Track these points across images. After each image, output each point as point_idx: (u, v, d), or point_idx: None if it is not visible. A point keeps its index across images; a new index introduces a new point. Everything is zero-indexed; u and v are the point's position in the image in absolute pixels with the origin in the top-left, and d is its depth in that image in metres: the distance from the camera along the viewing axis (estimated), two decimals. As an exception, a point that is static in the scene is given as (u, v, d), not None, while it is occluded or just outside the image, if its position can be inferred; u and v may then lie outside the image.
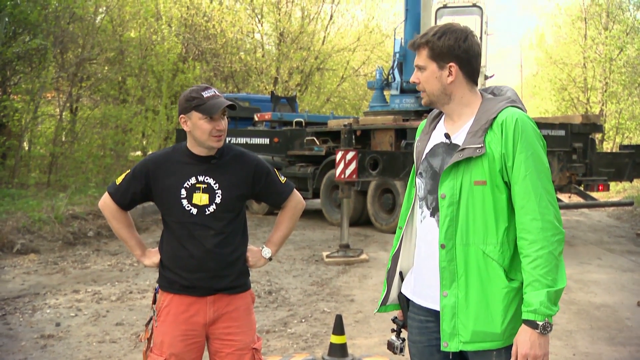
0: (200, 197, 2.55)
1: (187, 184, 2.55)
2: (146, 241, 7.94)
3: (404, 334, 2.35)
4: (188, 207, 2.54)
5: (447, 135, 2.13)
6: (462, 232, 2.04)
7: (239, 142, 13.09)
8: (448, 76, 2.09)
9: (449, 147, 2.11)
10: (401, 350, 2.34)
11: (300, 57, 24.60)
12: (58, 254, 8.40)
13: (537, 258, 1.93)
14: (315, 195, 12.28)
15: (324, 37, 26.54)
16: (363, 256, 8.34)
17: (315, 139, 12.22)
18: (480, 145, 2.00)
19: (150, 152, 16.39)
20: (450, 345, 2.05)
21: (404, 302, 2.29)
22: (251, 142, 13.23)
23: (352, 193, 9.70)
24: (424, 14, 11.74)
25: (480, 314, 2.01)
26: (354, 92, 28.30)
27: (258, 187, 2.67)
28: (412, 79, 2.17)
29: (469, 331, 2.02)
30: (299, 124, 13.88)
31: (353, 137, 9.20)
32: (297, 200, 2.78)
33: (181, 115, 2.55)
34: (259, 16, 25.62)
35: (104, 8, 17.65)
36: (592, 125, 10.00)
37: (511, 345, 1.99)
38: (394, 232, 2.37)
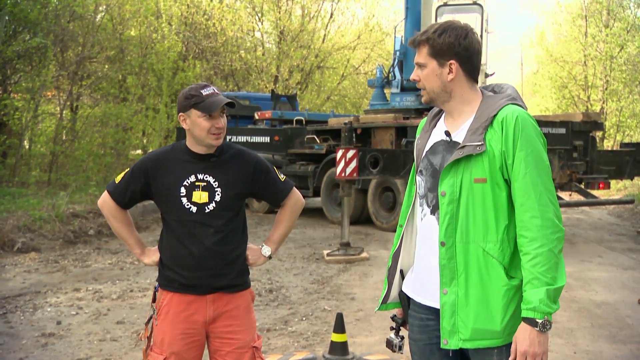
0: (200, 195, 2.54)
1: (187, 182, 2.55)
2: (147, 240, 7.96)
3: (403, 332, 2.34)
4: (188, 205, 2.54)
5: (447, 133, 2.13)
6: (462, 230, 2.04)
7: (240, 140, 13.10)
8: (448, 74, 2.08)
9: (449, 145, 2.10)
10: (400, 348, 2.34)
11: (301, 56, 24.59)
12: (59, 253, 8.41)
13: (536, 256, 1.92)
14: (316, 193, 12.28)
15: (324, 35, 26.52)
16: (364, 254, 8.34)
17: (315, 137, 12.21)
18: (480, 143, 2.00)
19: (150, 151, 16.39)
20: (450, 342, 2.05)
21: (405, 301, 2.29)
22: (252, 141, 13.23)
23: (352, 191, 9.70)
24: (425, 12, 11.73)
25: (480, 311, 2.01)
26: (355, 90, 28.30)
27: (257, 185, 2.67)
28: (412, 76, 2.17)
29: (468, 329, 2.01)
30: (299, 122, 13.88)
31: (353, 135, 9.20)
32: (296, 198, 2.77)
33: (180, 114, 2.55)
34: (259, 14, 25.62)
35: (104, 6, 17.64)
36: (592, 123, 9.99)
37: (511, 343, 1.98)
38: (395, 231, 2.36)
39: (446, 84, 2.10)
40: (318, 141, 12.14)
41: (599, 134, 19.85)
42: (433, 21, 10.97)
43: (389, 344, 2.34)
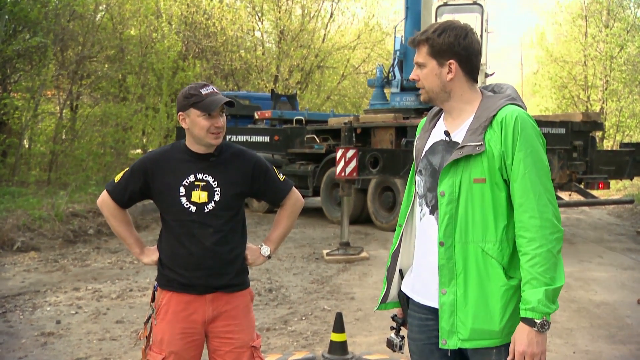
0: (199, 194, 2.54)
1: (186, 182, 2.55)
2: (146, 239, 7.96)
3: (404, 331, 2.34)
4: (187, 205, 2.53)
5: (446, 133, 2.13)
6: (461, 230, 2.04)
7: (240, 140, 13.10)
8: (448, 73, 2.08)
9: (449, 145, 2.10)
10: (400, 347, 2.34)
11: (301, 55, 24.60)
12: (58, 252, 8.41)
13: (535, 256, 1.92)
14: (316, 193, 12.28)
15: (324, 35, 26.53)
16: (363, 254, 8.34)
17: (315, 137, 12.21)
18: (479, 143, 2.00)
19: (150, 150, 16.39)
20: (449, 342, 2.05)
21: (404, 300, 2.29)
22: (251, 140, 13.23)
23: (352, 191, 9.70)
24: (425, 12, 11.73)
25: (479, 311, 2.01)
26: (354, 90, 28.31)
27: (257, 185, 2.67)
28: (412, 76, 2.17)
29: (467, 329, 2.01)
30: (299, 122, 13.88)
31: (353, 135, 9.20)
32: (296, 198, 2.77)
33: (179, 113, 2.55)
34: (259, 14, 25.62)
35: (104, 6, 17.65)
36: (592, 123, 9.99)
37: (510, 343, 1.98)
38: (394, 230, 2.36)
39: (445, 83, 2.10)
40: (318, 141, 12.14)
41: (598, 134, 19.86)
42: (433, 21, 10.97)
43: (389, 343, 2.35)
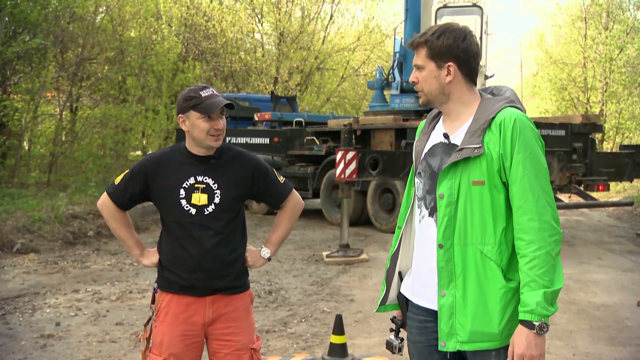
0: (199, 197, 2.54)
1: (186, 184, 2.55)
2: (146, 241, 7.96)
3: (403, 333, 2.35)
4: (187, 207, 2.54)
5: (445, 135, 2.13)
6: (460, 232, 2.04)
7: (239, 141, 13.10)
8: (446, 76, 2.09)
9: (448, 147, 2.10)
10: (400, 349, 2.34)
11: (300, 57, 24.60)
12: (58, 254, 8.40)
13: (534, 258, 1.93)
14: (315, 195, 12.28)
15: (324, 36, 26.54)
16: (363, 256, 8.34)
17: (315, 139, 12.22)
18: (478, 146, 2.00)
19: (149, 152, 16.39)
20: (448, 345, 2.05)
21: (403, 302, 2.29)
22: (251, 142, 13.23)
23: (352, 193, 9.70)
24: (424, 14, 11.74)
25: (478, 314, 2.01)
26: (354, 91, 28.31)
27: (257, 187, 2.67)
28: (411, 78, 2.17)
29: (466, 331, 2.02)
30: (299, 123, 13.88)
31: (353, 137, 9.20)
32: (296, 200, 2.77)
33: (179, 115, 2.55)
34: (259, 16, 25.63)
35: (104, 8, 17.66)
36: (592, 125, 10.00)
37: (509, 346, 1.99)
38: (394, 232, 2.37)
39: (444, 86, 2.10)
40: (317, 143, 12.15)
41: (598, 136, 19.87)
42: (433, 23, 10.98)
43: (389, 345, 2.35)
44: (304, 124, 13.89)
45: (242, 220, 2.68)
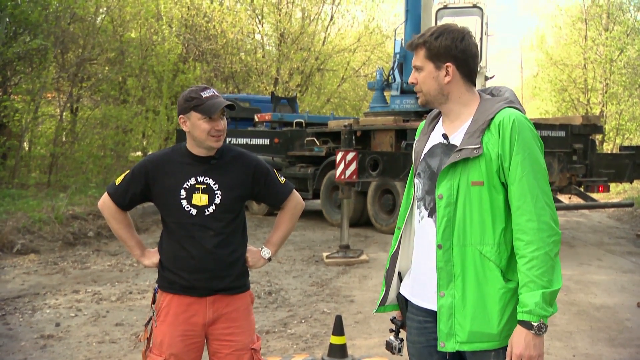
0: (200, 197, 2.55)
1: (187, 185, 2.55)
2: (146, 242, 7.94)
3: (403, 334, 2.35)
4: (187, 207, 2.54)
5: (445, 136, 2.13)
6: (459, 233, 2.04)
7: (240, 142, 13.11)
8: (445, 76, 2.09)
9: (447, 148, 2.11)
10: (399, 350, 2.34)
11: (301, 58, 24.61)
12: (58, 254, 8.40)
13: (532, 259, 1.93)
14: (316, 195, 12.29)
15: (325, 37, 26.55)
16: (363, 257, 8.34)
17: (315, 140, 12.22)
18: (477, 146, 2.00)
19: (150, 153, 16.39)
20: (447, 345, 2.05)
21: (403, 303, 2.30)
22: (251, 143, 13.24)
23: (352, 194, 9.70)
24: (425, 15, 11.74)
25: (477, 314, 2.01)
26: (354, 92, 28.31)
27: (257, 188, 2.68)
28: (410, 79, 2.18)
29: (465, 331, 2.02)
30: (299, 124, 13.89)
31: (353, 137, 9.21)
32: (296, 200, 2.78)
33: (180, 116, 2.55)
34: (260, 17, 25.64)
35: (105, 8, 17.66)
36: (592, 127, 10.00)
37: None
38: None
39: (443, 86, 2.10)
40: (318, 143, 12.15)
41: (598, 137, 19.85)
42: (433, 24, 10.98)
43: (389, 346, 2.35)
44: (304, 124, 13.89)
45: (243, 220, 2.69)
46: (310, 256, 8.65)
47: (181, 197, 2.54)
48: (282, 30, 24.91)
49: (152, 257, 2.68)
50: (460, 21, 10.73)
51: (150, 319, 2.63)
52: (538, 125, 9.38)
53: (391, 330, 2.37)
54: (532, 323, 1.91)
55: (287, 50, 24.49)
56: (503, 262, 2.02)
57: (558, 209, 1.89)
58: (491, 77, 11.88)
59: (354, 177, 8.35)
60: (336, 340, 4.18)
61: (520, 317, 1.93)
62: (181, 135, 13.40)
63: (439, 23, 10.59)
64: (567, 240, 10.10)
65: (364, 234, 10.78)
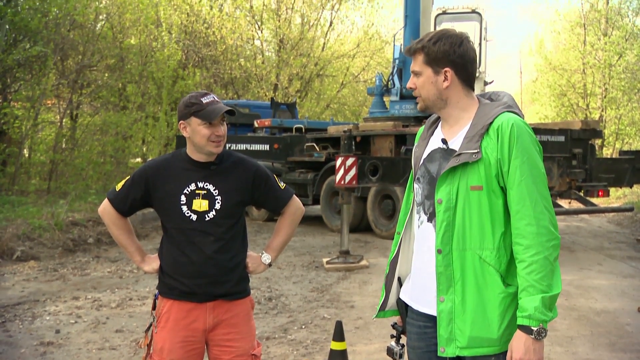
0: (200, 203, 2.55)
1: (187, 190, 2.56)
2: (146, 248, 7.93)
3: (404, 339, 2.34)
4: (188, 213, 2.54)
5: (444, 141, 2.14)
6: (459, 237, 2.04)
7: (239, 148, 13.13)
8: (444, 81, 2.10)
9: (446, 153, 2.11)
10: (400, 356, 2.34)
11: (300, 64, 24.65)
12: (58, 261, 8.40)
13: (532, 263, 1.93)
14: (315, 201, 12.29)
15: (324, 43, 26.60)
16: (363, 262, 8.34)
17: (315, 145, 12.23)
18: (476, 151, 2.01)
19: (150, 159, 16.38)
20: (447, 350, 2.05)
21: (403, 308, 2.29)
22: (251, 149, 13.26)
23: (352, 199, 9.70)
24: (424, 20, 11.78)
25: (477, 319, 2.01)
26: (354, 98, 28.35)
27: (257, 193, 2.68)
28: (409, 84, 2.18)
29: (465, 336, 2.02)
30: (298, 130, 13.90)
31: (353, 143, 9.21)
32: (296, 206, 2.78)
33: (180, 121, 2.56)
34: (259, 23, 25.69)
35: (104, 15, 17.72)
36: (591, 131, 10.01)
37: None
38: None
39: (442, 91, 2.11)
40: (317, 149, 12.16)
41: (598, 141, 19.89)
42: (432, 29, 11.01)
43: (390, 352, 2.34)
44: (304, 130, 13.91)
45: (243, 226, 2.69)
46: (311, 262, 8.65)
47: (181, 202, 2.55)
48: (281, 36, 24.97)
49: (152, 263, 2.67)
50: (459, 26, 10.79)
51: (151, 325, 2.63)
52: (537, 130, 9.39)
53: (392, 336, 2.37)
54: (532, 328, 1.91)
55: (286, 56, 24.54)
56: (503, 266, 2.02)
57: (558, 214, 1.89)
58: (490, 82, 11.90)
59: (354, 182, 8.35)
60: (336, 346, 4.17)
61: (519, 321, 1.93)
62: (181, 141, 13.41)
63: (438, 28, 10.63)
64: (568, 245, 10.09)
65: (364, 239, 10.77)
